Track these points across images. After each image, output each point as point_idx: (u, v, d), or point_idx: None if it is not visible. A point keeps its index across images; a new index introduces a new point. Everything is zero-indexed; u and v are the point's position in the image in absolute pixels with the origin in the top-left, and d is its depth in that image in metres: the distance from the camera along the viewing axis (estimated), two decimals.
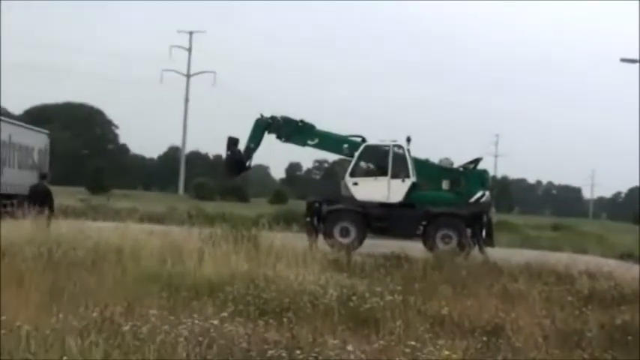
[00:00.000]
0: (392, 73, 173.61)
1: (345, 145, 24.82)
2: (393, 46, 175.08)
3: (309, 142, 25.11)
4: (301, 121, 25.05)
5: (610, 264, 18.97)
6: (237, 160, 25.17)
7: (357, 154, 24.20)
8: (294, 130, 24.95)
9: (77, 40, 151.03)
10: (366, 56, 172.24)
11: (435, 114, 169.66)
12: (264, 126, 24.92)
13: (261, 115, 25.01)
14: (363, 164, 25.06)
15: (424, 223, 23.62)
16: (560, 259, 18.10)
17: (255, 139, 25.00)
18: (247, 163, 25.49)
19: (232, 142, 25.19)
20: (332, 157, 45.42)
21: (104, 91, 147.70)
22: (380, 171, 24.19)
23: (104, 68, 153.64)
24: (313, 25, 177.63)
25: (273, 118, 25.02)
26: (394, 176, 23.88)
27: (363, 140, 24.57)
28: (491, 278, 14.62)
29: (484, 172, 25.28)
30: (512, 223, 44.43)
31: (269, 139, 25.13)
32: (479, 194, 23.95)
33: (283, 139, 25.04)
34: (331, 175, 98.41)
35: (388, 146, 24.19)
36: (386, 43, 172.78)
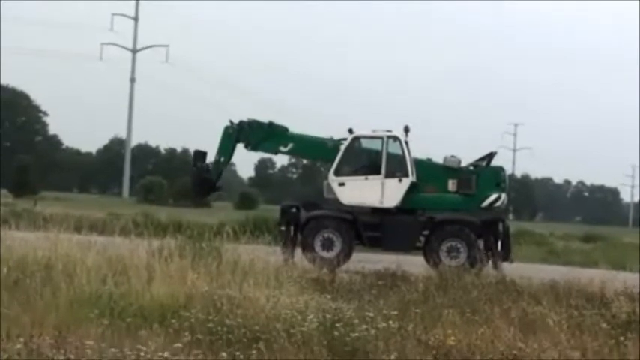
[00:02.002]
0: (381, 59, 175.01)
1: (328, 147, 24.93)
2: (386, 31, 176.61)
3: (282, 148, 25.47)
4: (270, 124, 25.25)
5: None
6: (205, 177, 25.36)
7: (343, 147, 24.26)
8: (263, 136, 25.21)
9: None
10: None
11: (439, 103, 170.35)
12: (235, 135, 25.13)
13: (231, 123, 25.30)
14: (350, 160, 25.05)
15: (426, 232, 23.70)
16: (592, 276, 18.18)
17: (225, 151, 25.33)
18: (217, 182, 25.66)
19: (199, 157, 25.59)
20: None
21: (30, 69, 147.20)
22: (372, 169, 24.25)
23: (30, 41, 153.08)
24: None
25: (241, 123, 25.16)
26: (389, 175, 23.95)
27: (350, 132, 24.59)
28: (508, 300, 14.72)
29: (499, 169, 25.31)
30: (534, 233, 44.60)
31: None
32: (493, 197, 24.03)
33: (250, 148, 25.35)
34: (311, 174, 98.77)
35: (382, 138, 24.25)
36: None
